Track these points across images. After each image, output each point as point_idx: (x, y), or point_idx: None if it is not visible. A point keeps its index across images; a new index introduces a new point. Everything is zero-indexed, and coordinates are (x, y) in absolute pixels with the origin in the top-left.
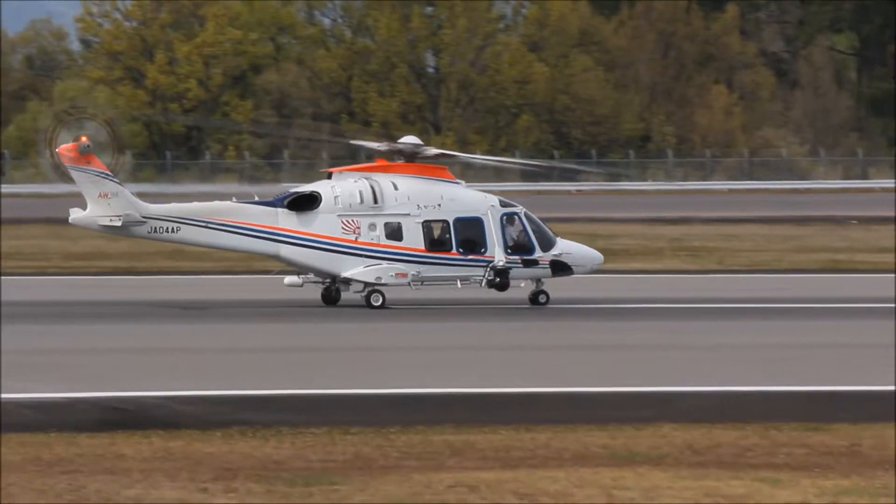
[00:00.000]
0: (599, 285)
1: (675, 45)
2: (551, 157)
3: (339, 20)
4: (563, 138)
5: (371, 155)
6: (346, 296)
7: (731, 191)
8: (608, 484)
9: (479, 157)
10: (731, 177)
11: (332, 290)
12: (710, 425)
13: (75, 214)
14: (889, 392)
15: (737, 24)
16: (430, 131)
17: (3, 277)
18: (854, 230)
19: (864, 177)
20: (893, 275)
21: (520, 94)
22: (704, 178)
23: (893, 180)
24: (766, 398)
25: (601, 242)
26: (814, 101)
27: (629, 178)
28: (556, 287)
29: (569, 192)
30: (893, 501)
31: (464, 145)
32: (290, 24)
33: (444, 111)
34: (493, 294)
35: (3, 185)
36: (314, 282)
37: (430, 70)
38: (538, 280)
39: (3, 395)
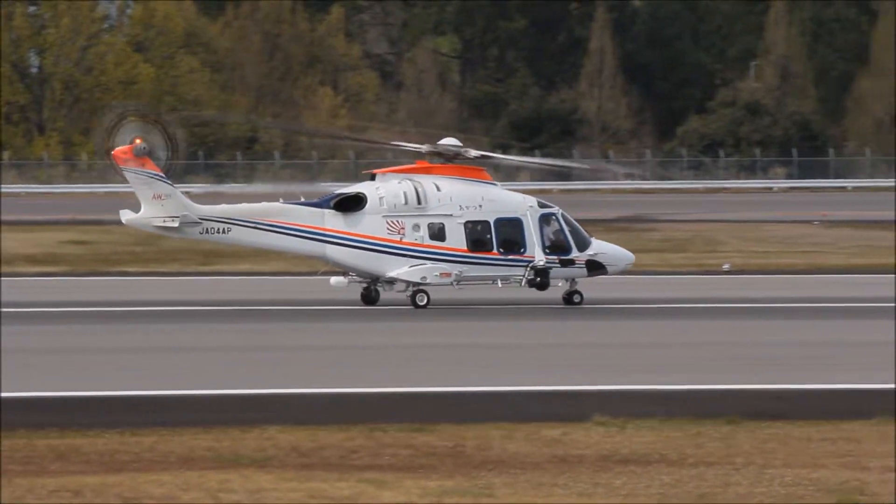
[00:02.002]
0: (210, 286)
1: (281, 47)
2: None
3: None
4: (169, 139)
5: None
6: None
7: None
8: (214, 487)
9: (518, 159)
10: (337, 178)
11: (372, 291)
12: (315, 427)
13: (127, 216)
14: (491, 392)
15: (342, 26)
16: (34, 132)
17: None
18: None
19: None
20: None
21: (125, 94)
22: (311, 181)
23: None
24: (371, 399)
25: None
26: (418, 102)
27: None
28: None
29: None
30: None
31: (68, 146)
32: None
33: (48, 112)
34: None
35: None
36: (358, 282)
37: (34, 70)
38: (572, 280)
39: None
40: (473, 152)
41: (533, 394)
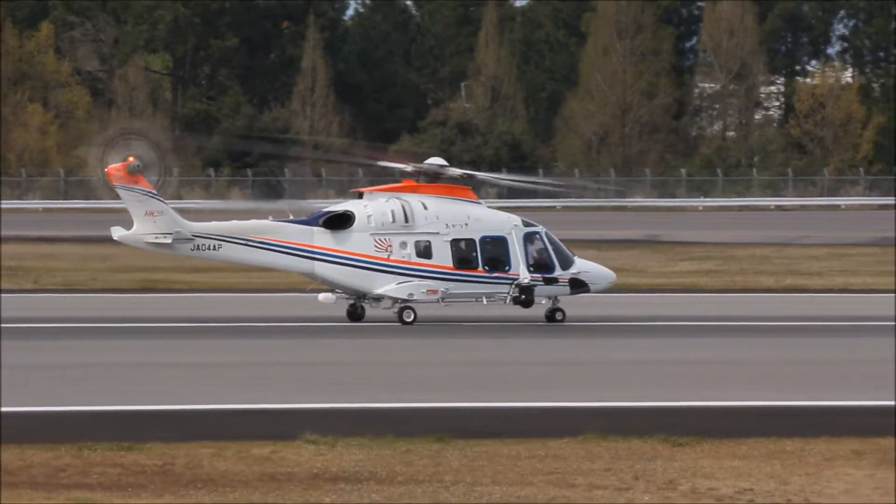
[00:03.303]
0: None
1: None
2: None
3: None
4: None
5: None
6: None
7: (45, 210)
8: None
9: (500, 178)
10: (46, 196)
11: (358, 308)
12: (22, 446)
13: (119, 232)
14: (199, 411)
15: (51, 43)
16: None
17: None
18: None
19: (179, 197)
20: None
21: None
22: (20, 197)
23: (206, 200)
24: (79, 417)
25: None
26: (130, 120)
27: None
28: None
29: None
30: None
31: None
32: None
33: None
34: None
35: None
36: (346, 298)
37: None
38: (555, 297)
39: None
40: (458, 171)
41: (242, 412)
